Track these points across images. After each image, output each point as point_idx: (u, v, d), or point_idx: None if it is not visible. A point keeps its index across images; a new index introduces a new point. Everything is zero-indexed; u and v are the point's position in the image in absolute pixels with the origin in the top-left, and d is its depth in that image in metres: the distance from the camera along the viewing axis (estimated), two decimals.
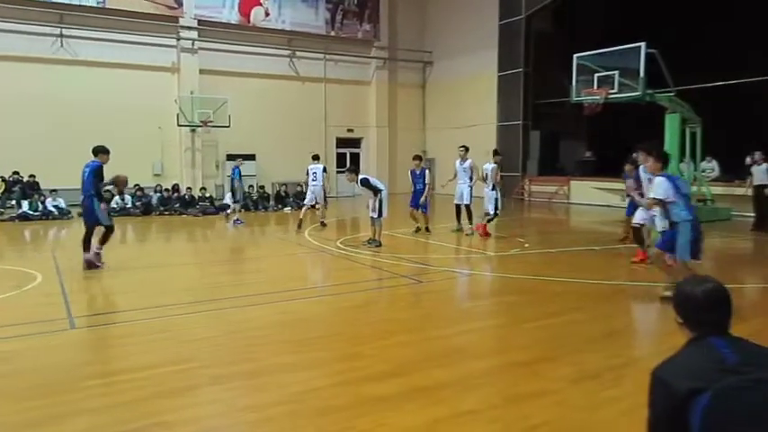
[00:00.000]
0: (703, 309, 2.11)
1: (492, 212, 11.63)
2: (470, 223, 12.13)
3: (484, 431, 3.54)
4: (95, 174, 8.79)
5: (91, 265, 8.53)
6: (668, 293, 5.97)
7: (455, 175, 12.47)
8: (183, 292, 7.30)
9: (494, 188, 11.60)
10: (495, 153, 12.29)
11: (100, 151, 9.19)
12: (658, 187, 6.01)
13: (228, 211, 16.73)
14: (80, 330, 5.70)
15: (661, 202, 6.06)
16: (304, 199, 14.94)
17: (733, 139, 15.57)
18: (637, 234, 9.02)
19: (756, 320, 5.87)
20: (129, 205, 17.35)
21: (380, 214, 10.49)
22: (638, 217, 8.76)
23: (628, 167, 10.07)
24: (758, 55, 15.00)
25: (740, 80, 15.64)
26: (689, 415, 1.89)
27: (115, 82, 19.75)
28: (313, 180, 13.82)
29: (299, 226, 13.16)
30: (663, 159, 6.30)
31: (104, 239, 8.74)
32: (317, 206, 14.06)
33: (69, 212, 16.40)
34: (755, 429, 1.83)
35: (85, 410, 3.82)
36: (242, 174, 15.58)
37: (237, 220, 15.11)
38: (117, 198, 17.22)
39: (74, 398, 4.01)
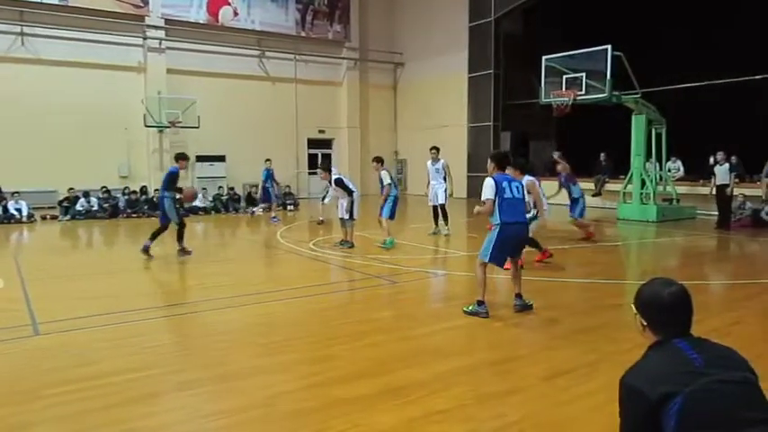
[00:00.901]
0: (668, 311, 2.13)
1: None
2: (446, 224, 12.12)
3: (457, 430, 3.53)
4: (171, 178, 10.07)
5: (184, 253, 9.89)
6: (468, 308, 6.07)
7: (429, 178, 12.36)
8: (151, 296, 7.16)
9: None
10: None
11: (180, 157, 10.45)
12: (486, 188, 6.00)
13: (255, 209, 17.52)
14: (44, 337, 5.52)
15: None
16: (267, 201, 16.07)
17: (697, 139, 15.97)
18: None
19: (721, 317, 6.01)
20: (96, 208, 16.93)
21: (352, 216, 10.46)
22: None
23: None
24: (721, 58, 15.40)
25: (703, 82, 16.06)
26: (662, 420, 1.91)
27: (79, 82, 19.26)
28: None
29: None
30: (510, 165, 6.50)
31: (179, 236, 10.02)
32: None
33: (32, 215, 15.96)
34: (725, 428, 1.85)
35: (49, 419, 3.69)
36: (271, 175, 16.42)
37: (274, 217, 15.69)
38: (82, 200, 16.81)
39: (37, 406, 3.88)
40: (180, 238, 10.00)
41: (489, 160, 6.25)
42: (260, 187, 17.20)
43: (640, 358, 2.16)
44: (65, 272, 9.03)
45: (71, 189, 16.97)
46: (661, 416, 1.91)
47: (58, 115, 18.78)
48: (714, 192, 13.56)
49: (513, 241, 6.07)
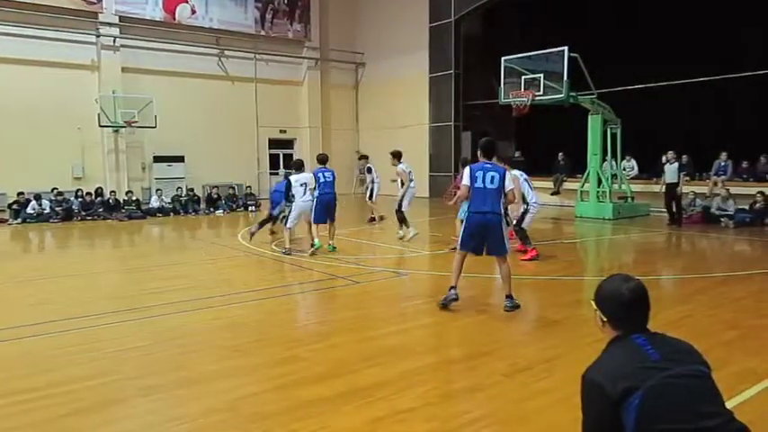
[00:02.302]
0: (627, 307, 2.18)
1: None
2: (401, 229, 11.69)
3: (422, 429, 3.56)
4: (287, 186, 10.44)
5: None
6: None
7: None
8: (110, 301, 6.97)
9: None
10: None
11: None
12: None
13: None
14: None
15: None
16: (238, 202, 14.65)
17: (650, 139, 16.49)
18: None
19: (674, 310, 6.21)
20: (48, 211, 16.35)
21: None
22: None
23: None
24: (674, 59, 15.90)
25: (656, 83, 16.56)
26: (623, 414, 1.96)
27: (29, 80, 18.53)
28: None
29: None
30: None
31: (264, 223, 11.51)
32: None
33: None
34: (681, 421, 1.92)
35: (2, 430, 3.56)
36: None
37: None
38: (33, 203, 16.22)
39: None
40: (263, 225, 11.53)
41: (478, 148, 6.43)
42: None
43: (601, 354, 2.21)
44: (17, 277, 8.71)
45: (21, 193, 16.34)
46: (622, 410, 1.96)
47: (7, 115, 18.07)
48: (663, 189, 14.01)
49: (477, 230, 6.11)
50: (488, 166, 6.17)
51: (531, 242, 9.36)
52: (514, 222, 9.13)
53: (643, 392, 1.94)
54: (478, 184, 6.06)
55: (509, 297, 6.20)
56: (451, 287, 6.22)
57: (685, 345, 2.18)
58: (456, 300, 6.19)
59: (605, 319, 2.25)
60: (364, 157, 15.64)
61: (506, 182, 6.09)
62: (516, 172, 8.93)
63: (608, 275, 2.35)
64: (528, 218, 9.36)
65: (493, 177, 6.05)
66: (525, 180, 9.35)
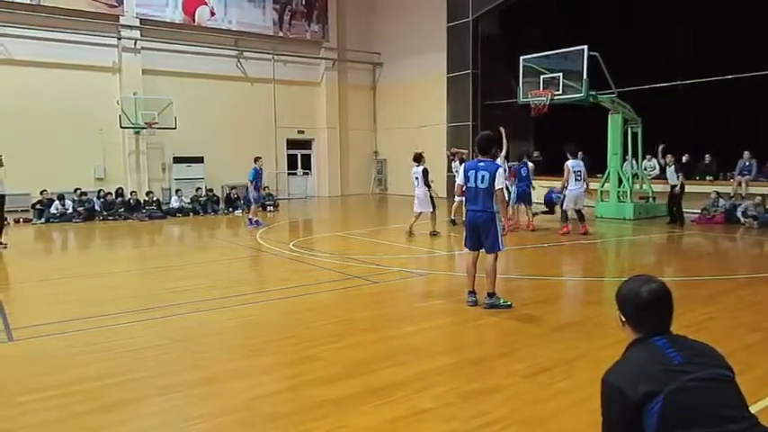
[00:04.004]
0: (648, 308, 2.13)
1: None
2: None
3: (441, 429, 3.53)
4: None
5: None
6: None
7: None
8: (129, 300, 7.04)
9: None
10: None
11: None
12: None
13: (252, 218, 14.80)
14: (18, 342, 5.40)
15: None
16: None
17: (672, 138, 16.22)
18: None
19: (696, 312, 6.10)
20: (70, 211, 16.61)
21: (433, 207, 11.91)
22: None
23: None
24: (696, 58, 15.66)
25: (678, 82, 16.31)
26: (644, 419, 1.92)
27: (52, 83, 18.89)
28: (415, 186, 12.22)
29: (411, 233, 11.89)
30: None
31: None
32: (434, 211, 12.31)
33: (6, 219, 15.59)
34: (704, 425, 1.87)
35: (25, 426, 3.61)
36: (259, 174, 14.81)
37: (256, 221, 14.45)
38: (57, 203, 16.49)
39: (12, 413, 3.79)
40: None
41: None
42: (250, 188, 14.97)
43: (621, 356, 2.17)
44: (39, 276, 8.85)
45: (44, 191, 16.63)
46: (642, 415, 1.92)
47: (31, 117, 18.41)
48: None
49: (471, 227, 6.28)
50: (481, 164, 6.18)
51: (567, 221, 12.06)
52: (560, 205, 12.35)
53: (664, 397, 1.90)
54: (470, 183, 6.17)
55: (489, 294, 6.19)
56: (469, 292, 6.23)
57: (708, 348, 2.13)
58: (475, 304, 6.20)
59: (624, 320, 2.21)
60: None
61: (496, 181, 6.04)
62: (570, 163, 11.92)
63: (629, 276, 2.31)
64: (565, 201, 12.12)
65: (483, 177, 6.08)
66: (577, 170, 11.86)
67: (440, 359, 4.78)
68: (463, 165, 6.46)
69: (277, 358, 4.89)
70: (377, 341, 5.26)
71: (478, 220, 6.18)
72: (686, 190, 13.84)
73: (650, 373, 1.97)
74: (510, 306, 6.20)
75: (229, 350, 5.08)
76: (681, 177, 13.60)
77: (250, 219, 14.61)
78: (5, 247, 11.20)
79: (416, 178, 12.09)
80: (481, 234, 6.21)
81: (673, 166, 13.77)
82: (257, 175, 14.70)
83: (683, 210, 13.79)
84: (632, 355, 2.13)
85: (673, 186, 13.76)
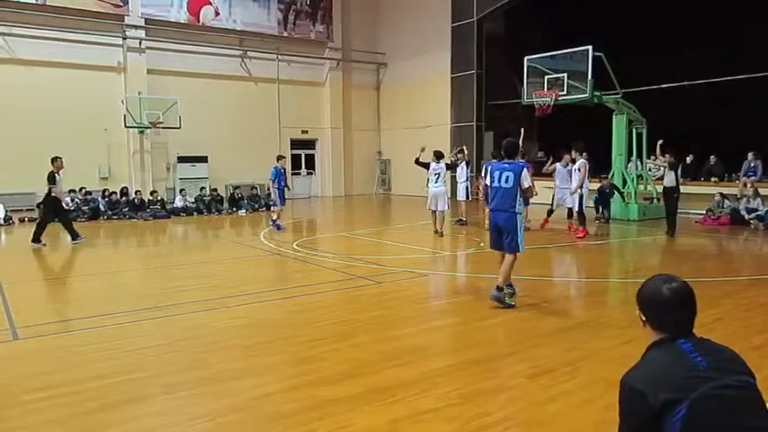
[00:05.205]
0: (670, 308, 2.06)
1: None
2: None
3: (444, 429, 3.53)
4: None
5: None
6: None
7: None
8: (133, 300, 7.06)
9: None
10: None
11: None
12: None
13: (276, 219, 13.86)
14: (23, 341, 5.42)
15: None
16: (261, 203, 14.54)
17: (677, 139, 16.14)
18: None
19: (704, 313, 6.06)
20: (75, 210, 16.64)
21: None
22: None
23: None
24: (700, 59, 15.59)
25: (683, 83, 16.26)
26: (665, 425, 1.86)
27: (57, 82, 18.94)
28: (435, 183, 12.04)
29: (439, 233, 11.93)
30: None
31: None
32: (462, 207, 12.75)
33: (10, 218, 15.68)
34: None
35: (30, 425, 3.62)
36: (279, 174, 13.88)
37: (277, 224, 13.57)
38: (67, 199, 16.52)
39: (18, 412, 3.80)
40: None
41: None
42: (273, 188, 14.07)
43: (642, 357, 2.10)
44: (44, 275, 8.88)
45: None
46: (664, 422, 1.86)
47: (36, 116, 18.46)
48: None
49: (494, 227, 6.47)
50: (506, 165, 6.40)
51: (584, 224, 11.74)
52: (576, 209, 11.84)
53: (688, 405, 1.83)
54: (495, 183, 6.38)
55: (498, 288, 6.28)
56: (500, 288, 6.34)
57: (731, 353, 2.04)
58: (513, 294, 6.38)
59: (645, 319, 2.15)
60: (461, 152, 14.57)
61: (523, 179, 6.24)
62: (581, 161, 11.88)
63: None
64: (583, 201, 11.91)
65: (508, 177, 6.28)
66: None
67: (444, 359, 4.78)
68: (489, 166, 6.73)
69: (280, 358, 4.89)
70: (380, 341, 5.26)
71: (502, 220, 6.34)
72: (692, 192, 13.59)
73: (673, 379, 1.89)
74: (513, 306, 6.21)
75: (233, 350, 5.09)
76: (678, 178, 12.29)
77: (273, 220, 13.73)
78: (44, 245, 11.50)
79: (437, 174, 11.93)
80: (503, 233, 6.34)
81: (667, 166, 12.33)
82: (279, 175, 13.84)
83: (676, 216, 12.35)
84: (654, 356, 2.05)
85: (669, 188, 12.19)
